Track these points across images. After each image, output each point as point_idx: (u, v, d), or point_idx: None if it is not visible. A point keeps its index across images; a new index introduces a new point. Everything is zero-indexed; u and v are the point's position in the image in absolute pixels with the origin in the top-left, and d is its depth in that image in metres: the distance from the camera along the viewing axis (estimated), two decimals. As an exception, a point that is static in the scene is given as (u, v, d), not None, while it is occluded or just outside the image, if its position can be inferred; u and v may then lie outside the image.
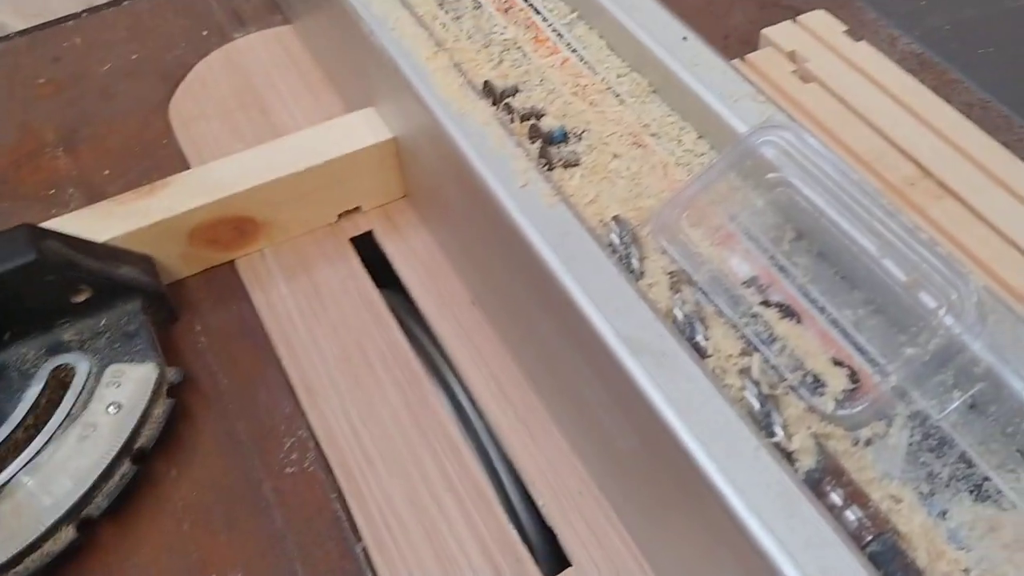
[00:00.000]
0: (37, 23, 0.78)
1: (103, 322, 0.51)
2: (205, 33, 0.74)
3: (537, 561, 0.45)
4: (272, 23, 0.74)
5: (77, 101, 0.70)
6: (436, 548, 0.46)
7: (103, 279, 0.50)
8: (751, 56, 0.62)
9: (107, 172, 0.64)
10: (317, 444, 0.50)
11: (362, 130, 0.58)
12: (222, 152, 0.64)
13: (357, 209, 0.60)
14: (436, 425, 0.50)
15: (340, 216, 0.60)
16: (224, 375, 0.53)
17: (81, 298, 0.50)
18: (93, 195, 0.63)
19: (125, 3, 0.78)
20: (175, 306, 0.55)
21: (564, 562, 0.45)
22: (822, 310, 0.41)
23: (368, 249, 0.59)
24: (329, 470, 0.49)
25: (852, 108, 0.58)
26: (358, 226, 0.60)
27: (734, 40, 0.68)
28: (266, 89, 0.68)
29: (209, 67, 0.70)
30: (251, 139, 0.65)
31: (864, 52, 0.62)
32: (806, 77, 0.61)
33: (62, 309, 0.50)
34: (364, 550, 0.46)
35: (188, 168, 0.63)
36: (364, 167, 0.58)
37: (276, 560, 0.46)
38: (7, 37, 0.76)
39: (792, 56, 0.62)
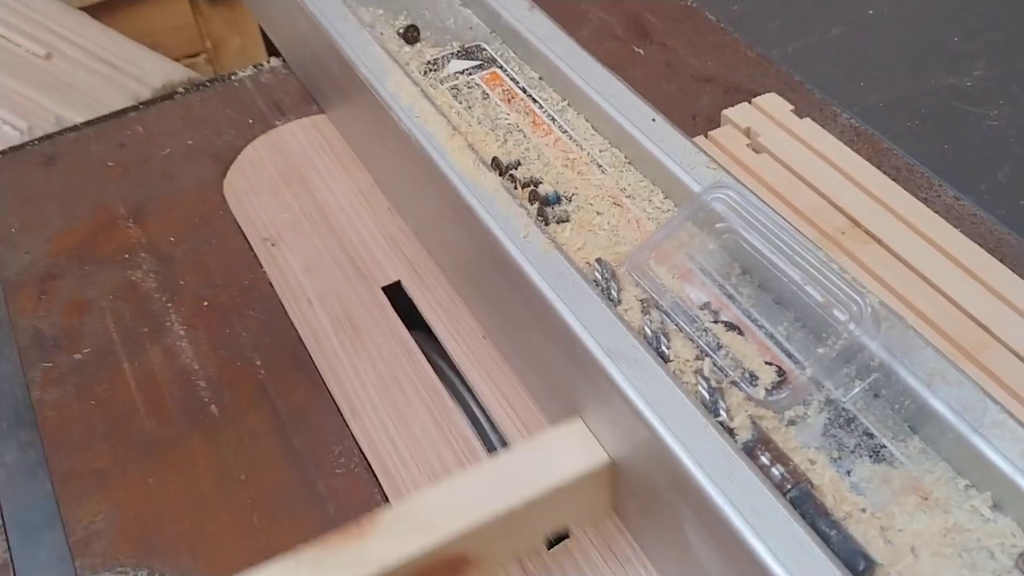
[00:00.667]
0: (91, 117, 0.91)
1: None
2: (250, 121, 0.86)
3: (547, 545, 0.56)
4: (308, 112, 0.86)
5: (142, 181, 0.82)
6: (460, 528, 0.56)
7: None
8: (713, 132, 0.75)
9: (172, 239, 0.77)
10: (361, 451, 0.61)
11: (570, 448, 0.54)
12: (273, 222, 0.76)
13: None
14: (457, 434, 0.61)
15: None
16: (283, 404, 0.64)
17: None
18: (161, 258, 0.75)
19: (177, 96, 0.91)
20: None
21: (563, 535, 0.56)
22: (761, 327, 0.53)
23: (398, 296, 0.71)
24: (371, 471, 0.60)
25: (796, 173, 0.71)
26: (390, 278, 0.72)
27: (701, 119, 0.80)
28: (306, 168, 0.81)
29: (255, 150, 0.83)
30: (296, 210, 0.77)
31: (808, 127, 0.75)
32: (758, 149, 0.73)
33: None
34: (402, 532, 0.57)
35: (242, 234, 0.76)
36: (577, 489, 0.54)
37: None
38: (77, 128, 0.89)
39: (747, 132, 0.74)
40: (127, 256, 0.75)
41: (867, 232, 0.66)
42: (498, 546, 0.54)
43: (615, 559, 0.55)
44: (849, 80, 0.85)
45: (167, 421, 0.64)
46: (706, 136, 0.76)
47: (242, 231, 0.77)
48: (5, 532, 0.59)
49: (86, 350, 0.69)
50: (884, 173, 0.72)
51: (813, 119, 0.77)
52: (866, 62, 0.84)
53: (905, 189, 0.71)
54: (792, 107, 0.78)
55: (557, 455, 0.53)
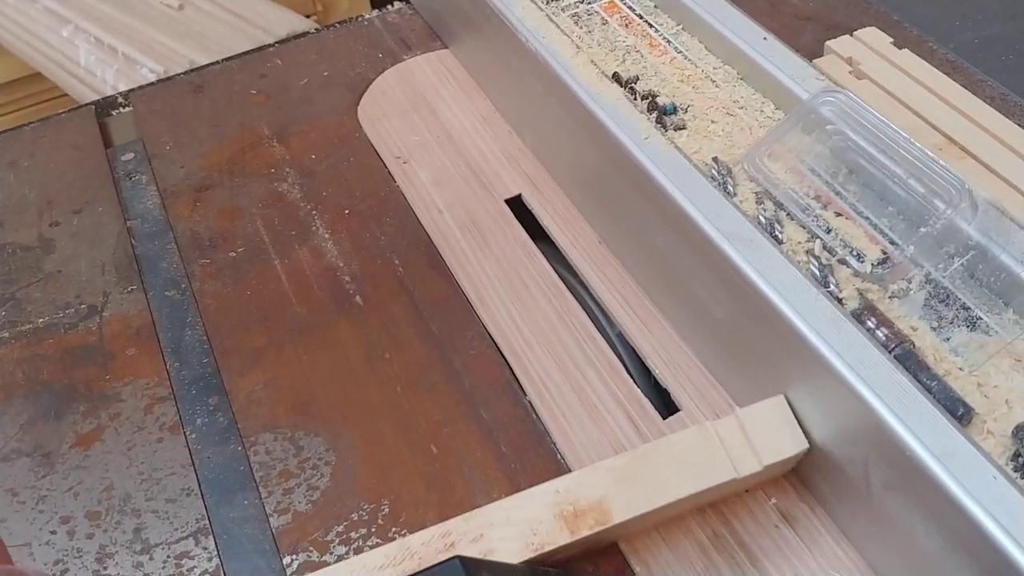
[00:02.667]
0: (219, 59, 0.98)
1: None
2: (380, 55, 0.93)
3: (655, 408, 0.62)
4: (433, 47, 0.93)
5: (283, 107, 0.89)
6: (582, 400, 0.63)
7: None
8: (817, 61, 0.80)
9: (314, 156, 0.84)
10: (490, 335, 0.67)
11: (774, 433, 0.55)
12: (403, 143, 0.83)
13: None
14: (577, 323, 0.67)
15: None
16: (420, 296, 0.71)
17: None
18: (304, 172, 0.82)
19: (310, 35, 0.98)
20: None
21: (674, 409, 0.62)
22: (866, 219, 0.58)
23: (519, 209, 0.77)
24: (500, 352, 0.66)
25: (896, 96, 0.75)
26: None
27: (803, 53, 0.84)
28: (432, 96, 0.87)
29: (386, 80, 0.90)
30: (424, 133, 0.84)
31: (907, 57, 0.79)
32: (860, 76, 0.78)
33: None
34: (529, 402, 0.63)
35: (376, 153, 0.83)
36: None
37: (467, 409, 0.63)
38: (219, 62, 0.97)
39: (850, 61, 0.79)
40: (273, 170, 0.83)
41: (962, 148, 0.70)
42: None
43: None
44: (944, 18, 0.89)
45: (316, 309, 0.71)
46: (811, 63, 0.80)
47: (376, 150, 0.83)
48: (176, 404, 0.66)
49: (240, 249, 0.76)
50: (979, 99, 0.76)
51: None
52: (961, 2, 0.88)
53: (998, 112, 0.75)
54: (892, 40, 0.82)
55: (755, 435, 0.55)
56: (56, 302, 0.74)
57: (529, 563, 0.50)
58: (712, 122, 0.66)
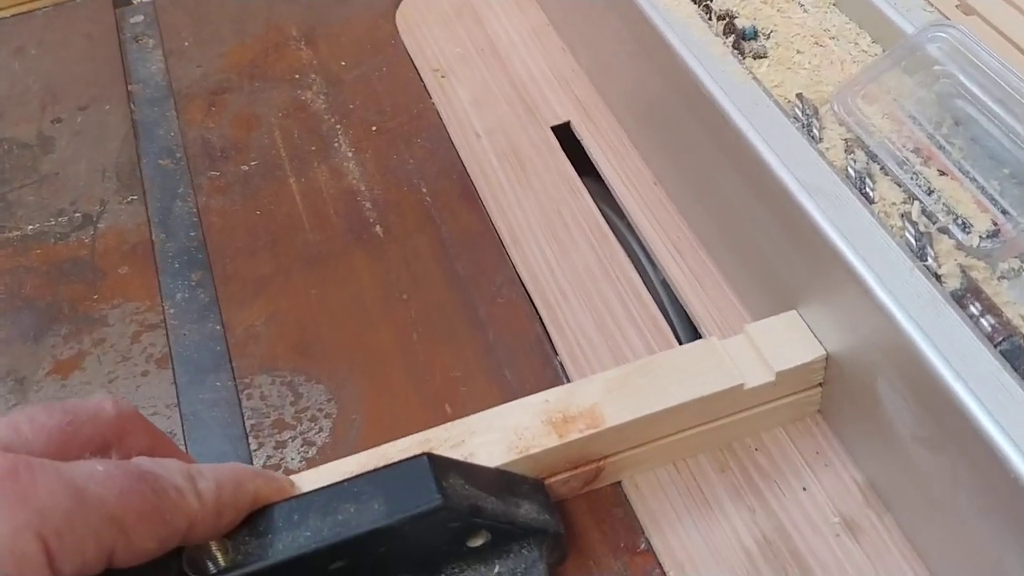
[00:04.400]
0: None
1: (496, 570, 0.44)
2: (427, -45, 0.84)
3: (707, 382, 0.54)
4: (485, -52, 0.83)
5: (315, 5, 0.81)
6: (620, 364, 0.55)
7: (505, 523, 0.43)
8: (919, -11, 0.69)
9: (343, 63, 0.75)
10: (521, 282, 0.59)
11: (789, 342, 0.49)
12: (443, 55, 0.74)
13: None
14: (620, 273, 0.59)
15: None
16: (447, 230, 0.63)
17: (478, 543, 0.43)
18: (331, 80, 0.74)
19: (352, -71, 0.89)
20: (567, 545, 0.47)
21: (729, 386, 0.54)
22: (973, 180, 0.49)
23: (567, 138, 0.68)
24: (531, 301, 0.58)
25: (1010, 39, 0.65)
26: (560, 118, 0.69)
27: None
28: (479, 3, 0.78)
29: (430, -18, 0.81)
30: (468, 44, 0.75)
31: (1026, -9, 0.69)
32: (967, 11, 0.67)
33: (453, 553, 0.43)
34: (560, 363, 0.55)
35: (412, 64, 0.74)
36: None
37: (489, 365, 0.56)
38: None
39: (957, -9, 0.69)
40: (297, 76, 0.74)
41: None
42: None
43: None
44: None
45: (331, 237, 0.63)
46: (913, -8, 0.70)
47: (412, 61, 0.75)
48: (167, 331, 0.59)
49: (253, 162, 0.68)
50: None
51: (1032, -15, 0.71)
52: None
53: None
54: (1010, -31, 0.71)
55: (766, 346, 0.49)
56: (49, 208, 0.67)
57: (508, 471, 0.45)
58: (798, 52, 0.56)
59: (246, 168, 0.68)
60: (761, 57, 0.56)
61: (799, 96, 0.52)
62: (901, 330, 0.42)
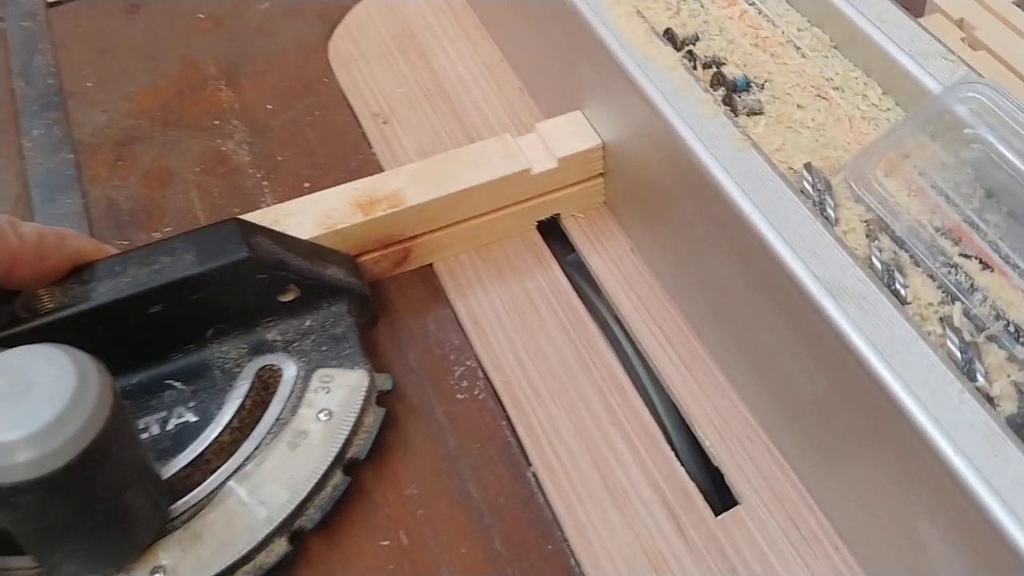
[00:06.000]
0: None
1: (308, 323, 0.49)
2: (362, -25, 0.75)
3: (705, 498, 0.46)
4: (428, -31, 0.75)
5: (237, 37, 0.72)
6: (605, 479, 0.47)
7: (311, 280, 0.48)
8: (919, 21, 0.62)
9: (270, 106, 0.66)
10: (485, 374, 0.51)
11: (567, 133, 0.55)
12: (383, 94, 0.66)
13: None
14: (600, 363, 0.51)
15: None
16: (397, 313, 0.55)
17: (288, 297, 0.48)
18: (256, 127, 0.65)
19: (279, -56, 0.80)
20: (376, 309, 0.52)
21: (730, 502, 0.46)
22: (1015, 267, 0.41)
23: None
24: (497, 398, 0.50)
25: (1021, 75, 0.58)
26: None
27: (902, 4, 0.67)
28: (424, 34, 0.70)
29: (366, 10, 0.72)
30: (412, 83, 0.66)
31: (1032, 20, 0.62)
32: (975, 45, 0.60)
33: (267, 308, 0.48)
34: (535, 475, 0.47)
35: (349, 107, 0.65)
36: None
37: (450, 480, 0.47)
38: (165, -28, 0.78)
39: (960, 23, 0.62)
40: (217, 122, 0.65)
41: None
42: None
43: (800, 535, 0.45)
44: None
45: (258, 319, 0.54)
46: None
47: (349, 104, 0.66)
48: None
49: (167, 228, 0.59)
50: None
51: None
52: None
53: None
54: (1013, -4, 0.64)
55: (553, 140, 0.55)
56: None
57: (319, 244, 0.50)
58: (798, 106, 0.49)
59: (158, 235, 0.59)
60: (757, 114, 0.48)
61: (807, 166, 0.45)
62: (952, 472, 0.35)
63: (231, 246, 0.45)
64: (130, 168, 0.63)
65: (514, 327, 0.53)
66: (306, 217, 0.51)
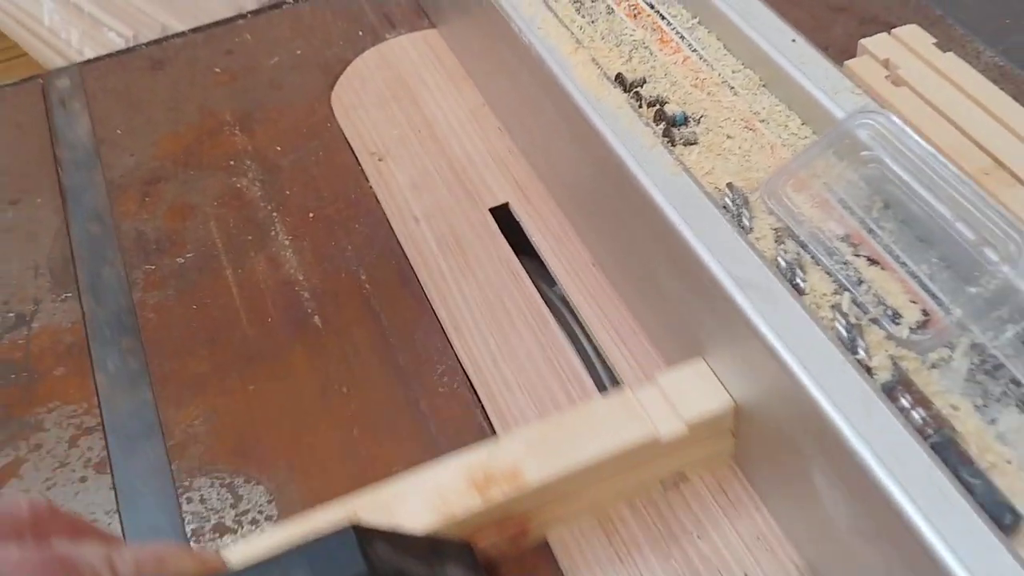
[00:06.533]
0: (195, 25, 0.89)
1: None
2: (360, 33, 0.84)
3: (650, 472, 0.53)
4: (419, 26, 0.84)
5: (249, 89, 0.81)
6: (565, 457, 0.54)
7: None
8: (849, 62, 0.70)
9: (279, 148, 0.75)
10: (464, 371, 0.59)
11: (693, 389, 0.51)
12: (380, 137, 0.74)
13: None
14: (564, 361, 0.59)
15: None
16: (387, 319, 0.63)
17: None
18: (267, 166, 0.74)
19: (286, 6, 0.89)
20: None
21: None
22: (903, 265, 0.49)
23: (506, 218, 0.68)
24: (474, 391, 0.58)
25: (937, 108, 0.66)
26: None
27: (834, 50, 0.75)
28: (416, 83, 0.78)
29: (365, 63, 0.81)
30: (404, 126, 0.75)
31: (951, 62, 0.70)
32: (897, 82, 0.69)
33: None
34: (505, 456, 0.55)
35: (349, 148, 0.74)
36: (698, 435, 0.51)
37: (432, 460, 0.55)
38: (184, 34, 0.88)
39: (886, 64, 0.70)
40: (232, 163, 0.74)
41: (1012, 174, 0.62)
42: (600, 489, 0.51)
43: (728, 501, 0.52)
44: (993, 16, 0.79)
45: (269, 331, 0.63)
46: (842, 66, 0.71)
47: (349, 144, 0.75)
48: (105, 436, 0.58)
49: (189, 255, 0.68)
50: (1031, 114, 0.67)
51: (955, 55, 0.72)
52: (1012, -2, 0.79)
53: (1053, 132, 0.66)
54: (935, 40, 0.73)
55: (677, 397, 0.50)
56: (-20, 308, 0.66)
57: (434, 535, 0.47)
58: (728, 137, 0.57)
59: (181, 260, 0.67)
60: (691, 144, 0.57)
61: (729, 185, 0.53)
62: (837, 430, 0.42)
63: (348, 560, 0.40)
64: (156, 203, 0.71)
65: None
66: (419, 500, 0.47)
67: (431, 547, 0.45)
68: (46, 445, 0.58)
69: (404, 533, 0.45)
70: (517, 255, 0.66)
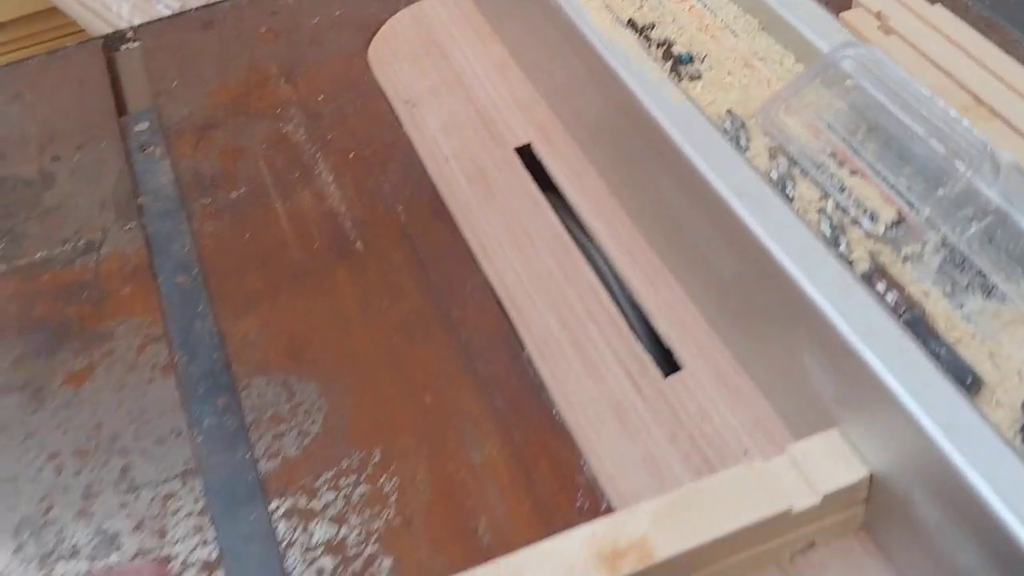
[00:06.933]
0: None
1: None
2: (394, -4, 0.91)
3: (657, 366, 0.60)
4: (449, -11, 0.90)
5: (293, 46, 0.87)
6: (582, 357, 0.61)
7: None
8: (844, 14, 0.77)
9: (321, 98, 0.82)
10: (491, 287, 0.66)
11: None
12: (413, 87, 0.81)
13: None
14: (580, 277, 0.66)
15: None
16: (422, 245, 0.69)
17: None
18: (310, 113, 0.80)
19: (325, -27, 0.96)
20: None
21: (676, 368, 0.60)
22: (882, 177, 0.55)
23: (529, 159, 0.75)
24: (500, 305, 0.65)
25: (924, 54, 0.72)
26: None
27: (832, 5, 0.82)
28: (445, 39, 0.85)
29: (399, 22, 0.87)
30: (435, 78, 0.82)
31: (940, 13, 0.76)
32: (888, 31, 0.75)
33: None
34: (528, 357, 0.62)
35: (384, 97, 0.80)
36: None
37: (463, 361, 0.62)
38: None
39: (879, 15, 0.76)
40: (279, 111, 0.81)
41: (992, 111, 0.68)
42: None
43: (728, 389, 0.58)
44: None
45: (315, 254, 0.69)
46: (837, 17, 0.77)
47: (384, 94, 0.81)
48: (169, 344, 0.65)
49: (241, 190, 0.74)
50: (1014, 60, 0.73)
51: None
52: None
53: (1032, 76, 0.72)
54: (924, -5, 0.79)
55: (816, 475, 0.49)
56: (53, 237, 0.73)
57: None
58: (729, 73, 0.63)
59: (235, 195, 0.74)
60: (696, 79, 0.63)
61: (728, 112, 0.59)
62: (817, 309, 0.48)
63: None
64: (210, 147, 0.78)
65: None
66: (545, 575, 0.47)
67: None
68: (117, 352, 0.65)
69: None
70: (540, 192, 0.72)
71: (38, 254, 0.72)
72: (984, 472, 0.42)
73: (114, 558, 0.55)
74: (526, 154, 0.75)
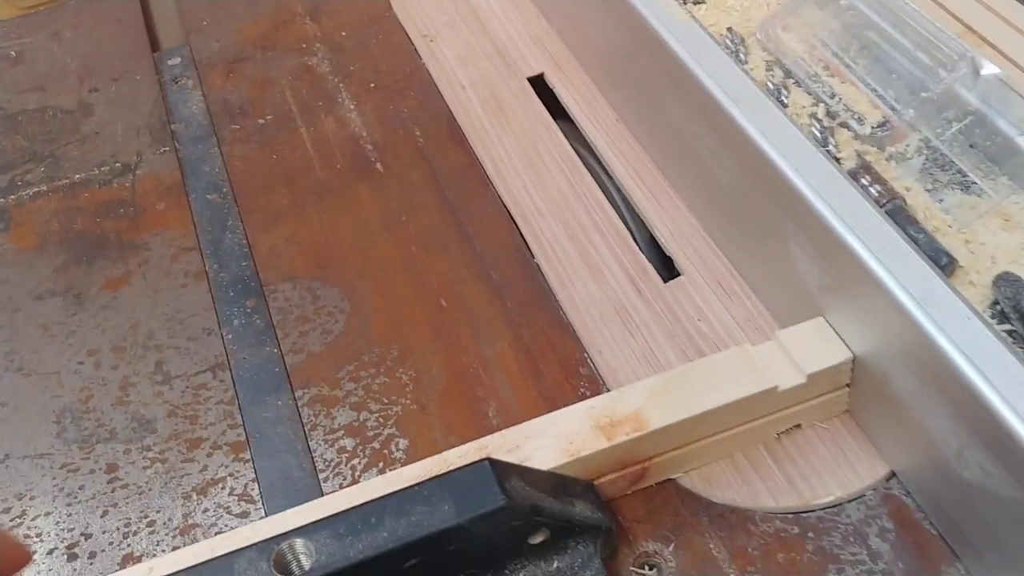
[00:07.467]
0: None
1: (556, 565, 0.47)
2: (414, -59, 0.94)
3: (658, 272, 0.64)
4: (467, -66, 0.94)
5: (318, -12, 0.91)
6: (587, 263, 0.65)
7: (562, 521, 0.47)
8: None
9: (344, 33, 0.86)
10: (504, 205, 0.69)
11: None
12: (431, 22, 0.84)
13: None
14: (588, 194, 0.69)
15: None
16: (439, 166, 0.73)
17: (538, 540, 0.47)
18: (334, 47, 0.84)
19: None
20: (617, 541, 0.51)
21: (675, 274, 0.64)
22: (869, 87, 0.59)
23: (541, 88, 0.78)
24: (512, 219, 0.68)
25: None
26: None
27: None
28: (463, -21, 0.89)
29: (419, -37, 0.91)
30: (453, 13, 0.85)
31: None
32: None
33: (516, 551, 0.47)
34: (537, 264, 0.65)
35: (404, 32, 0.84)
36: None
37: (477, 269, 0.65)
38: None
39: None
40: (304, 46, 0.85)
41: (981, 37, 0.71)
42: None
43: (724, 292, 0.62)
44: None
45: (338, 174, 0.73)
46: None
47: (404, 29, 0.85)
48: (201, 252, 0.69)
49: (269, 116, 0.78)
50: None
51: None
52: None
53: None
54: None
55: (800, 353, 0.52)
56: (92, 160, 0.77)
57: (560, 474, 0.49)
58: (730, -2, 0.67)
59: (262, 121, 0.78)
60: (700, 3, 0.66)
61: (729, 29, 0.63)
62: (806, 201, 0.52)
63: (488, 493, 0.43)
64: (239, 78, 0.82)
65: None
66: (547, 441, 0.50)
67: (559, 484, 0.48)
68: (152, 260, 0.69)
69: (533, 470, 0.48)
70: (552, 118, 0.76)
71: (77, 175, 0.76)
72: (956, 339, 0.45)
73: (148, 440, 0.59)
74: (539, 84, 0.79)
